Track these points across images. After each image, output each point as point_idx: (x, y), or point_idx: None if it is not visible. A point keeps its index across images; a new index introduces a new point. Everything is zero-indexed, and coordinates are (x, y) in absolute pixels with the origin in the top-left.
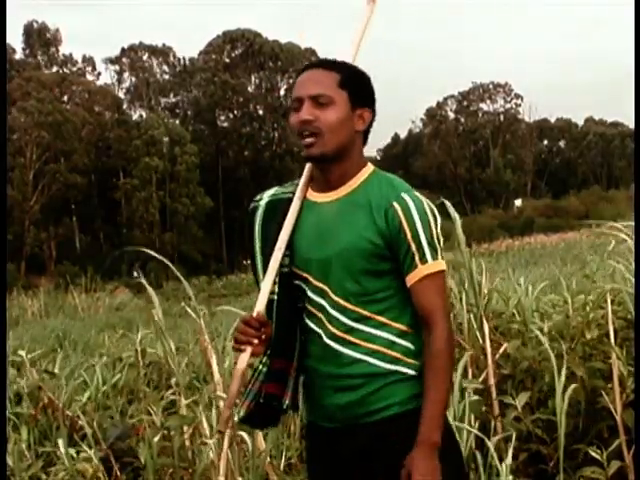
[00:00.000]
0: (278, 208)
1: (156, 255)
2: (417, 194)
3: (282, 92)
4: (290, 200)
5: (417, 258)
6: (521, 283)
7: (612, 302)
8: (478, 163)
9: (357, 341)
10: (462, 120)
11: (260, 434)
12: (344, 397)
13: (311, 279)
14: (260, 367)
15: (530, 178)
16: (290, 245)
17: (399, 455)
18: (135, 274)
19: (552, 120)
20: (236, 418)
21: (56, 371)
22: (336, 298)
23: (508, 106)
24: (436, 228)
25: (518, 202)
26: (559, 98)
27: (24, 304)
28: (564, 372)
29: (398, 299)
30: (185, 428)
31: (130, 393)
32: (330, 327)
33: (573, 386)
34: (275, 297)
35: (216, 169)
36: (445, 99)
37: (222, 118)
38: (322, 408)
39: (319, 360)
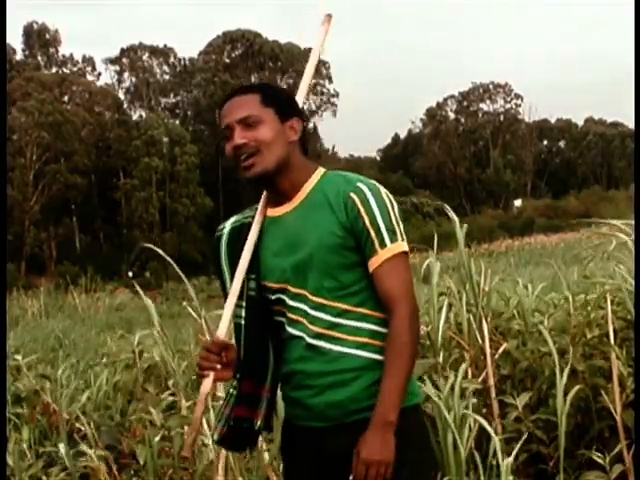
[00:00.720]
0: (241, 234)
1: (162, 254)
2: (372, 181)
3: None
4: (251, 224)
5: (377, 244)
6: (522, 283)
7: (612, 302)
8: (478, 163)
9: (342, 336)
10: (462, 120)
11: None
12: (335, 394)
13: (289, 287)
14: (231, 391)
15: (530, 178)
16: (258, 266)
17: None
18: (130, 274)
19: (552, 120)
20: (211, 440)
21: (58, 372)
22: (314, 298)
23: (508, 106)
24: (394, 211)
25: (518, 202)
26: (559, 98)
27: (24, 304)
28: (566, 371)
29: (374, 289)
30: (185, 428)
31: (130, 394)
32: (312, 327)
33: (576, 388)
34: (242, 322)
35: (216, 169)
36: (445, 99)
37: None
38: (310, 408)
39: (305, 361)
